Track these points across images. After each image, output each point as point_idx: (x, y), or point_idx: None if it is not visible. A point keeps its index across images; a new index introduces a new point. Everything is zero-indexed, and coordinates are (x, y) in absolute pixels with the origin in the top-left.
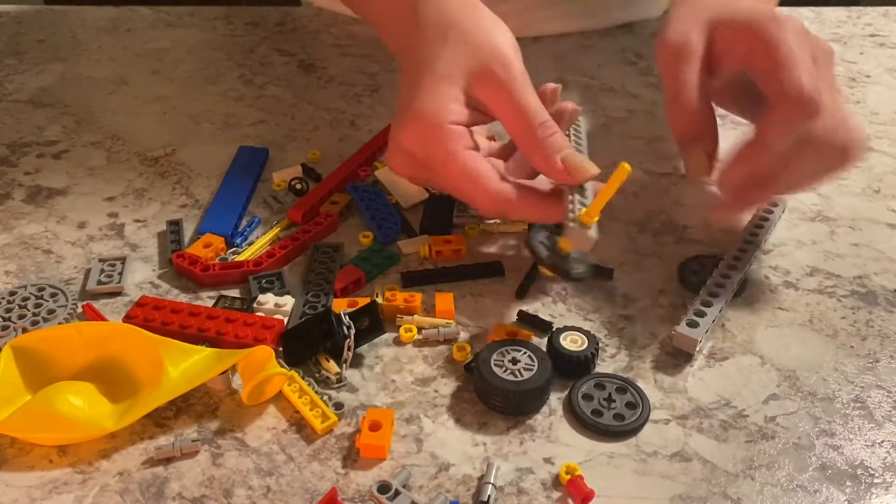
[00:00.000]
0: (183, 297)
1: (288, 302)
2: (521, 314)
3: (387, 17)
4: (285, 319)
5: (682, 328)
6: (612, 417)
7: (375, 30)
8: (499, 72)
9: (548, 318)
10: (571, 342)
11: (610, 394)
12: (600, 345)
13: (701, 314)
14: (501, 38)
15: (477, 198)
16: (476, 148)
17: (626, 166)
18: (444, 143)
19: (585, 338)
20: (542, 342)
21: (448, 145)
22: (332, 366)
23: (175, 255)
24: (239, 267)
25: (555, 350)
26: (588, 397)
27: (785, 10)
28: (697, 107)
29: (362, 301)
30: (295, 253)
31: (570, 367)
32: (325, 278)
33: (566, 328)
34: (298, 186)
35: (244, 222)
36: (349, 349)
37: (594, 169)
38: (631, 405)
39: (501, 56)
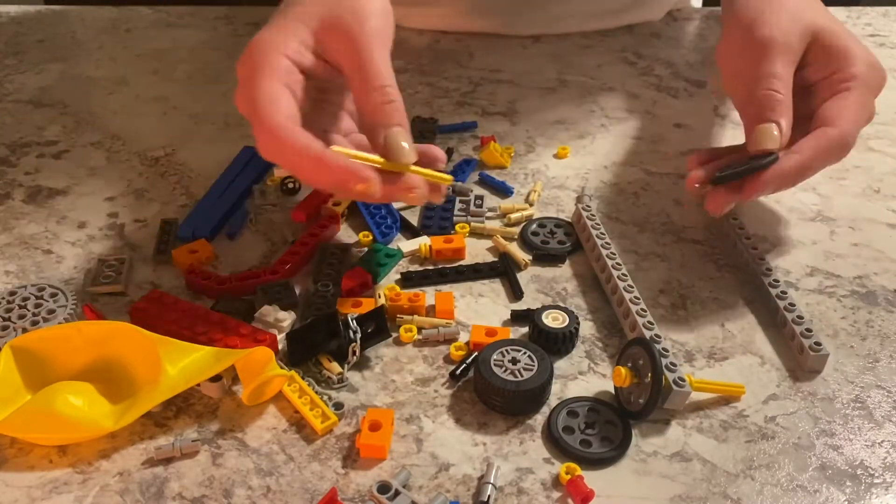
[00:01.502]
0: (183, 298)
1: (288, 318)
2: (514, 313)
3: None
4: (279, 335)
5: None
6: (579, 443)
7: None
8: (350, 23)
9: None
10: (553, 320)
11: (590, 422)
12: (600, 346)
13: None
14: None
15: (256, 127)
16: (299, 92)
17: (743, 389)
18: (256, 65)
19: (567, 315)
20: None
21: (261, 68)
22: (333, 366)
23: (187, 271)
24: (255, 277)
25: (537, 328)
26: (568, 429)
27: None
28: (786, 97)
29: (367, 301)
30: (306, 259)
31: (553, 344)
32: (332, 279)
33: (546, 307)
34: (290, 185)
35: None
36: (354, 353)
37: (409, 159)
38: (606, 440)
39: (358, 10)
